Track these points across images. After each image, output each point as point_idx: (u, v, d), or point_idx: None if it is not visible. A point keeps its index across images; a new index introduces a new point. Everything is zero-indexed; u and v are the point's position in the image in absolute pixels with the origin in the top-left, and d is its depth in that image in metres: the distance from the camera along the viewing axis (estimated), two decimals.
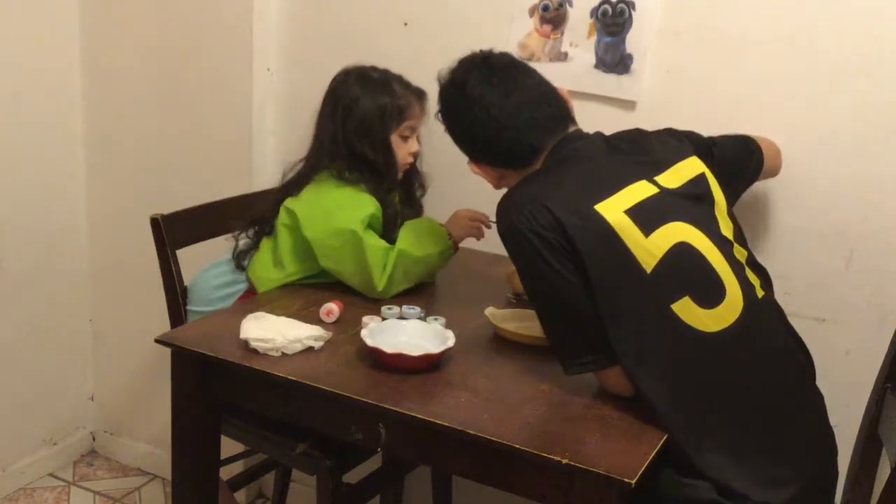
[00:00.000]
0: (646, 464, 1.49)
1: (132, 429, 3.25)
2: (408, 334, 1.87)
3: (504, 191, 1.86)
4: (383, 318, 1.97)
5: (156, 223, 2.27)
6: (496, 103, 1.83)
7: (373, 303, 2.10)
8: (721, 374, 1.69)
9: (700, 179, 1.86)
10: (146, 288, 2.59)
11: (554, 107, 1.88)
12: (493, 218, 2.16)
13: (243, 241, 2.29)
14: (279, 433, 2.19)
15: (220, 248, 2.39)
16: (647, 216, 1.70)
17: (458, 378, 1.77)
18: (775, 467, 1.68)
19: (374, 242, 2.11)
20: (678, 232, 1.72)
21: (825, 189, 2.18)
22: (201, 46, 2.77)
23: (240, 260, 2.26)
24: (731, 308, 1.72)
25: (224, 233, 2.41)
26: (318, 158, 2.25)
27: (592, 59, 2.35)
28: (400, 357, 1.75)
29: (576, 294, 1.66)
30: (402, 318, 1.99)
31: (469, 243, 2.35)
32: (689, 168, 1.87)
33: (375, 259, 2.09)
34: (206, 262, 2.36)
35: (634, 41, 2.30)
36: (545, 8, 2.40)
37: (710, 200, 1.84)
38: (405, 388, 1.71)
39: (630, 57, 2.31)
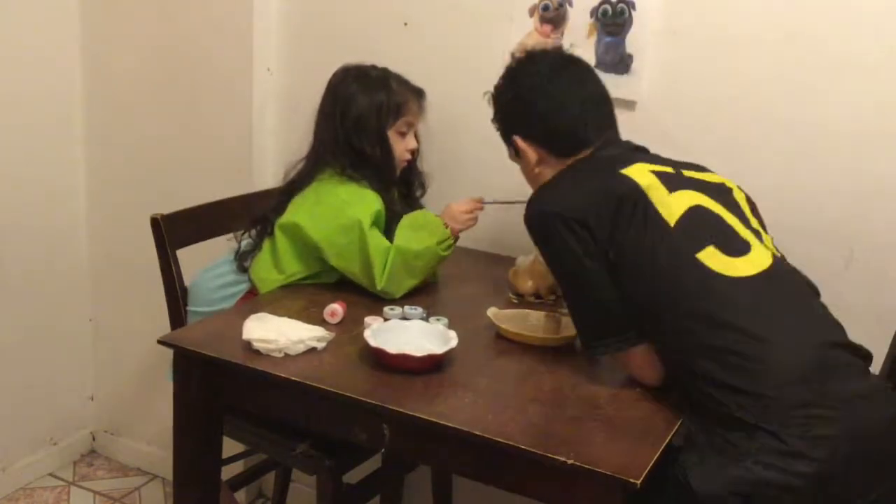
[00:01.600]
0: (651, 463, 1.49)
1: (132, 429, 3.25)
2: (411, 335, 1.87)
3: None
4: (386, 319, 1.97)
5: (156, 223, 2.27)
6: (566, 88, 1.92)
7: (375, 303, 2.10)
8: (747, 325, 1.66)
9: (723, 185, 1.88)
10: (146, 288, 2.59)
11: (610, 113, 1.97)
12: (487, 199, 2.23)
13: (245, 242, 2.29)
14: (279, 433, 2.20)
15: (220, 248, 2.39)
16: (670, 180, 1.78)
17: (461, 378, 1.77)
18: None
19: (376, 241, 2.12)
20: (696, 198, 1.78)
21: (825, 189, 2.18)
22: (201, 46, 2.77)
23: (242, 261, 2.26)
24: (759, 258, 1.74)
25: (224, 233, 2.41)
26: (318, 156, 2.26)
27: (592, 59, 2.35)
28: (403, 358, 1.75)
29: (602, 272, 1.72)
30: (404, 318, 1.99)
31: (471, 244, 2.36)
32: (717, 178, 1.90)
33: (377, 258, 2.10)
34: (206, 262, 2.36)
35: (634, 41, 2.31)
36: (545, 8, 2.40)
37: (731, 198, 1.87)
38: (408, 388, 1.71)
39: (630, 57, 2.32)
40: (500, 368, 1.87)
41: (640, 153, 1.93)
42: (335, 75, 2.30)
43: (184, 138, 2.86)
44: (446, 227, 2.19)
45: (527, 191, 2.12)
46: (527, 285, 2.21)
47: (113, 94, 2.95)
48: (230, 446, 2.20)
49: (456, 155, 2.54)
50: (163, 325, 2.27)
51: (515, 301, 2.22)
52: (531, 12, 2.41)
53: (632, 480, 1.44)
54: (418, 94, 2.31)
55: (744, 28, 2.21)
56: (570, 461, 1.48)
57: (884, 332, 2.08)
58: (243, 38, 2.69)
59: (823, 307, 1.80)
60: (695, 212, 1.75)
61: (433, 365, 1.79)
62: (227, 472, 2.39)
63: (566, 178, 1.87)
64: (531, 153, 1.94)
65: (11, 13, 2.75)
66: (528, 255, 2.24)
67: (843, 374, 1.66)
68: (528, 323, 2.03)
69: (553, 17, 2.39)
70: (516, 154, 1.99)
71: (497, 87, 2.02)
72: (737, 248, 1.73)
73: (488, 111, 2.51)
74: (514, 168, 2.49)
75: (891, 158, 2.13)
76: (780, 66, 2.19)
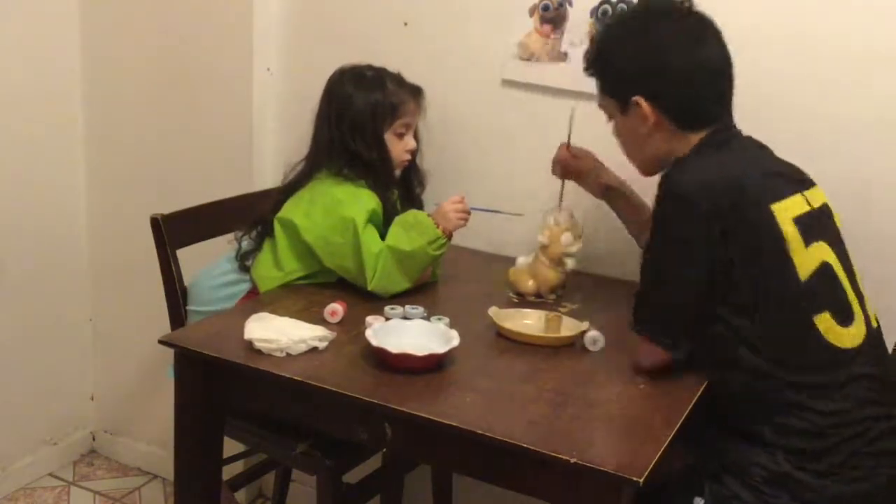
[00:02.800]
0: (653, 462, 1.49)
1: (132, 429, 3.25)
2: (412, 334, 1.87)
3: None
4: (387, 318, 1.97)
5: (156, 223, 2.27)
6: (705, 53, 1.81)
7: (376, 303, 2.10)
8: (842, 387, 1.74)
9: (826, 208, 1.88)
10: (146, 288, 2.59)
11: (731, 92, 1.87)
12: (472, 205, 2.20)
13: (246, 243, 2.29)
14: (279, 433, 2.20)
15: (220, 248, 2.39)
16: (807, 229, 1.75)
17: (462, 378, 1.78)
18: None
19: (369, 240, 2.11)
20: (824, 252, 1.77)
21: (825, 188, 2.18)
22: (201, 46, 2.77)
23: (243, 261, 2.26)
24: (858, 330, 1.77)
25: (224, 233, 2.41)
26: (316, 158, 2.26)
27: None
28: (405, 357, 1.75)
29: (706, 276, 1.71)
30: (405, 318, 1.99)
31: (471, 244, 2.36)
32: (820, 194, 1.89)
33: (369, 258, 2.10)
34: (206, 262, 2.36)
35: None
36: (545, 8, 2.40)
37: (835, 228, 1.87)
38: (410, 387, 1.71)
39: None
40: (502, 368, 1.87)
41: (771, 160, 1.89)
42: (332, 77, 2.29)
43: (184, 138, 2.86)
44: (438, 227, 2.17)
45: (515, 205, 2.13)
46: (528, 285, 2.21)
47: (113, 94, 2.95)
48: (230, 446, 2.20)
49: (455, 155, 2.54)
50: (163, 325, 2.27)
51: (516, 300, 2.22)
52: (531, 12, 2.41)
53: (634, 479, 1.44)
54: (416, 92, 2.30)
55: (744, 28, 2.20)
56: (573, 460, 1.48)
57: (884, 333, 2.08)
58: (243, 38, 2.69)
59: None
60: (824, 269, 1.75)
61: (434, 364, 1.79)
62: (227, 472, 2.39)
63: (712, 164, 1.78)
64: (649, 118, 1.82)
65: (11, 13, 2.74)
66: (528, 255, 2.24)
67: None
68: (530, 322, 2.03)
69: (553, 17, 2.39)
70: (622, 114, 1.87)
71: (612, 35, 1.89)
72: (845, 316, 1.75)
73: (489, 111, 2.53)
74: (514, 169, 2.52)
75: (891, 158, 2.13)
76: (780, 66, 2.19)
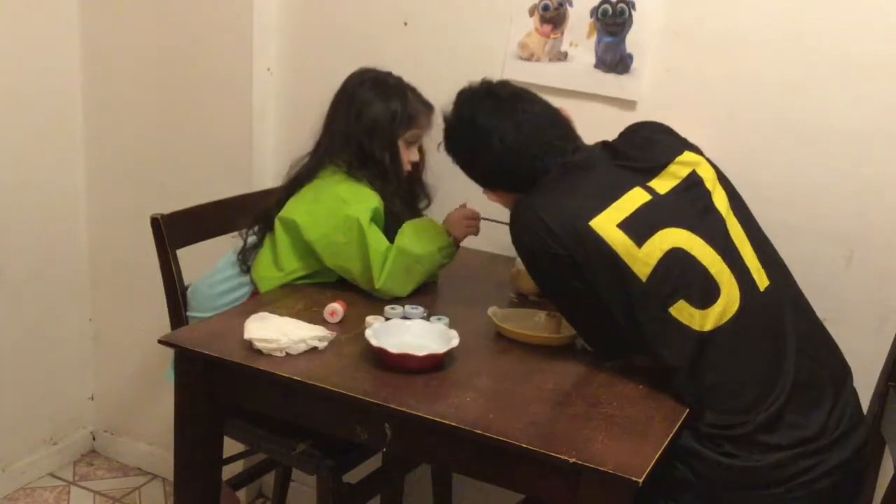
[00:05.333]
0: (652, 462, 1.49)
1: (132, 429, 3.25)
2: (412, 334, 1.88)
3: None
4: (387, 318, 1.98)
5: (156, 223, 2.27)
6: (510, 134, 1.91)
7: (376, 303, 2.10)
8: (719, 365, 1.75)
9: (692, 177, 1.90)
10: (146, 288, 2.59)
11: (561, 128, 1.98)
12: (485, 214, 2.24)
13: (250, 239, 2.30)
14: (279, 433, 2.20)
15: (220, 248, 2.39)
16: (640, 227, 1.77)
17: (462, 378, 1.78)
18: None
19: (375, 239, 2.12)
20: (670, 238, 1.78)
21: (825, 188, 2.19)
22: (201, 46, 2.77)
23: (245, 258, 2.27)
24: (728, 305, 1.77)
25: (223, 233, 2.41)
26: (324, 153, 2.27)
27: (592, 59, 2.36)
28: (405, 357, 1.76)
29: (591, 302, 1.79)
30: (405, 317, 1.99)
31: (472, 243, 2.35)
32: (682, 166, 1.90)
33: (376, 255, 2.10)
34: (205, 262, 2.37)
35: (634, 41, 2.31)
36: (545, 8, 2.40)
37: (705, 196, 1.88)
38: (410, 387, 1.72)
39: (630, 57, 2.32)
40: (502, 367, 1.87)
41: (614, 154, 1.93)
42: (352, 77, 2.32)
43: (184, 138, 2.86)
44: (449, 235, 2.20)
45: None
46: (530, 285, 2.20)
47: (113, 94, 2.95)
48: (230, 446, 2.21)
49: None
50: (163, 325, 2.27)
51: (516, 300, 2.22)
52: (531, 12, 2.42)
53: (634, 479, 1.45)
54: (429, 108, 2.34)
55: (744, 28, 2.21)
56: (572, 460, 1.49)
57: (884, 333, 2.08)
58: (243, 38, 2.69)
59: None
60: (671, 258, 1.76)
61: (434, 364, 1.79)
62: (227, 471, 2.39)
63: (539, 197, 1.86)
64: (507, 198, 1.97)
65: (11, 13, 2.74)
66: None
67: None
68: (529, 322, 2.03)
69: (553, 17, 2.40)
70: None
71: (447, 150, 2.03)
72: (705, 297, 1.76)
73: None
74: None
75: (891, 158, 2.13)
76: (781, 66, 2.19)
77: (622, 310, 1.75)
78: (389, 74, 2.32)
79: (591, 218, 1.76)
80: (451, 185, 2.31)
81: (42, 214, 2.97)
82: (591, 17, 2.35)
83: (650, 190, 1.84)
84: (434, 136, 2.36)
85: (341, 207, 2.14)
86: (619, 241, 1.74)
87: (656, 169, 1.89)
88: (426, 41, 2.56)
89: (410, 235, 2.16)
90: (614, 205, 1.79)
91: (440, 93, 2.37)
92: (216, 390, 1.90)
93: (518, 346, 1.95)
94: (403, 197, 2.33)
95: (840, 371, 1.89)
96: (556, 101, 2.23)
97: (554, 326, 2.00)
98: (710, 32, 2.25)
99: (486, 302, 2.09)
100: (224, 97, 2.77)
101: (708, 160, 1.95)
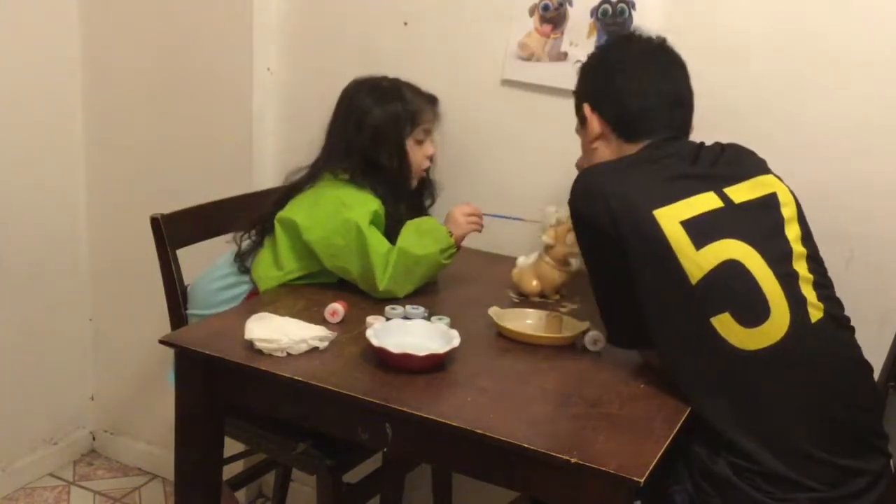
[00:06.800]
0: (654, 462, 1.49)
1: (132, 429, 3.25)
2: (413, 334, 1.87)
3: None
4: (387, 318, 1.97)
5: (156, 223, 2.27)
6: (649, 79, 1.93)
7: (377, 303, 2.10)
8: (755, 389, 1.72)
9: (771, 198, 1.86)
10: (146, 288, 2.59)
11: (686, 114, 1.97)
12: (486, 212, 2.23)
13: (245, 243, 2.29)
14: (279, 433, 2.20)
15: (220, 248, 2.39)
16: (703, 230, 1.73)
17: (463, 378, 1.78)
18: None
19: (376, 241, 2.12)
20: (730, 249, 1.74)
21: (825, 189, 2.18)
22: (201, 46, 2.77)
23: (243, 261, 2.26)
24: (774, 329, 1.72)
25: (224, 232, 2.41)
26: (327, 163, 2.26)
27: None
28: (406, 357, 1.75)
29: (624, 285, 1.75)
30: (406, 318, 1.99)
31: (473, 243, 2.35)
32: (764, 186, 1.87)
33: (378, 257, 2.10)
34: (206, 262, 2.36)
35: None
36: (545, 8, 2.40)
37: (778, 219, 1.84)
38: (411, 388, 1.71)
39: None
40: (503, 368, 1.87)
41: (700, 154, 1.90)
42: (347, 89, 2.30)
43: (184, 138, 2.86)
44: (450, 236, 2.19)
45: (514, 204, 2.13)
46: (532, 285, 2.21)
47: (113, 94, 2.95)
48: (230, 446, 2.20)
49: (454, 154, 2.54)
50: (163, 325, 2.27)
51: (517, 300, 2.22)
52: (531, 12, 2.42)
53: (635, 479, 1.44)
54: (432, 101, 2.33)
55: (744, 27, 2.22)
56: (573, 460, 1.48)
57: (885, 333, 2.08)
58: (243, 38, 2.69)
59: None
60: (726, 268, 1.72)
61: (435, 364, 1.79)
62: (228, 471, 2.39)
63: (611, 174, 1.84)
64: (595, 125, 1.94)
65: (11, 13, 2.75)
66: (529, 255, 2.24)
67: None
68: (530, 322, 2.03)
69: (553, 17, 2.40)
70: (581, 125, 1.99)
71: (588, 56, 2.06)
72: (753, 316, 1.72)
73: (488, 111, 2.53)
74: (513, 169, 2.52)
75: (892, 158, 2.13)
76: (781, 66, 2.20)
77: (657, 303, 1.73)
78: (383, 78, 2.30)
79: (656, 207, 1.73)
80: (457, 183, 2.33)
81: (42, 214, 2.97)
82: (591, 16, 2.35)
83: (724, 197, 1.80)
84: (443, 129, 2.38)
85: (341, 210, 2.14)
86: (677, 237, 1.71)
87: (737, 179, 1.86)
88: (426, 41, 2.56)
89: (412, 236, 2.16)
90: (685, 201, 1.76)
91: (440, 93, 2.38)
92: (216, 390, 1.90)
93: (519, 346, 1.95)
94: (410, 200, 2.33)
95: (882, 445, 1.84)
96: (556, 101, 2.25)
97: (555, 327, 2.00)
98: (711, 32, 2.25)
99: (487, 302, 2.09)
100: (224, 97, 2.77)
101: (793, 194, 1.91)
